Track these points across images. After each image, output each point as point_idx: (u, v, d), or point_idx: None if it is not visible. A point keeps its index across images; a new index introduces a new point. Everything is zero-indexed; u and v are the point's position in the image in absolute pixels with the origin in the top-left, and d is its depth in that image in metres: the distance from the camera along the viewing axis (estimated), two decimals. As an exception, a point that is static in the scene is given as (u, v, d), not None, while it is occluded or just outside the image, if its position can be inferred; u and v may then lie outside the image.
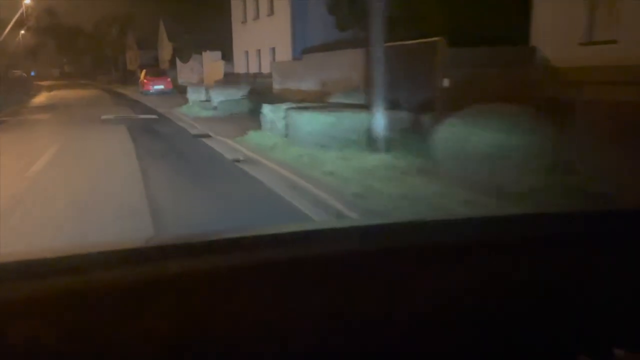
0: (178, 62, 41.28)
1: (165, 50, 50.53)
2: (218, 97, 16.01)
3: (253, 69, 26.58)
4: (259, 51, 25.94)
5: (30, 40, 69.28)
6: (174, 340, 0.71)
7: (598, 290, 0.86)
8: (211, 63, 31.71)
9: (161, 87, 28.26)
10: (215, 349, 0.71)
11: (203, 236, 1.03)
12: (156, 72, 29.80)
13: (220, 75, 29.33)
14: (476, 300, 0.81)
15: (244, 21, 27.36)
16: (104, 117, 15.54)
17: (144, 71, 29.49)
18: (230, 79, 28.05)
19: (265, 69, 25.11)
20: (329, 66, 17.45)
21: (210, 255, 0.86)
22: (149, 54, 54.67)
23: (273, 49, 24.16)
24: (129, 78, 48.14)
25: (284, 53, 22.57)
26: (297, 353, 0.72)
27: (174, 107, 18.91)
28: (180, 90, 29.55)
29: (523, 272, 0.89)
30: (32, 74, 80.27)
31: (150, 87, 27.96)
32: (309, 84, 19.00)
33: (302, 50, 20.11)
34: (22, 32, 52.30)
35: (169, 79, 28.85)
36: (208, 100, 17.56)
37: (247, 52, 27.53)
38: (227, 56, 31.10)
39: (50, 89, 42.07)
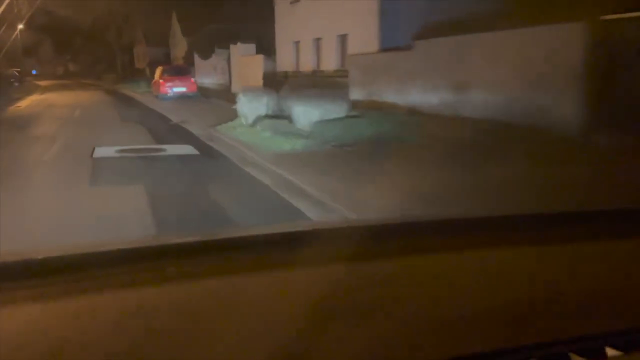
0: (197, 59, 33.63)
1: (179, 46, 42.85)
2: (308, 113, 8.52)
3: (307, 66, 19.04)
4: (317, 41, 18.40)
5: (28, 35, 62.41)
6: (174, 339, 0.66)
7: (592, 289, 0.81)
8: (243, 59, 24.16)
9: (183, 89, 20.66)
10: (215, 348, 0.65)
11: (202, 236, 1.02)
12: (176, 70, 22.00)
13: (258, 74, 21.81)
14: (468, 300, 0.77)
15: (295, 0, 19.79)
16: (99, 153, 7.81)
17: (159, 69, 21.83)
18: (278, 80, 20.52)
19: (328, 65, 17.54)
20: (494, 58, 9.88)
21: (210, 255, 0.86)
22: (159, 51, 47.25)
23: (343, 37, 16.60)
24: (138, 77, 40.70)
25: (365, 41, 15.01)
26: (295, 353, 0.65)
27: (214, 124, 11.36)
28: (204, 94, 22.00)
29: (515, 271, 0.87)
30: (34, 72, 73.30)
31: (169, 89, 20.37)
32: (431, 91, 11.49)
33: (414, 34, 12.57)
34: (21, 26, 44.73)
35: (192, 79, 21.23)
36: (281, 117, 10.07)
37: (297, 44, 19.98)
38: (265, 49, 23.58)
39: (45, 90, 34.48)
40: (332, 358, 0.64)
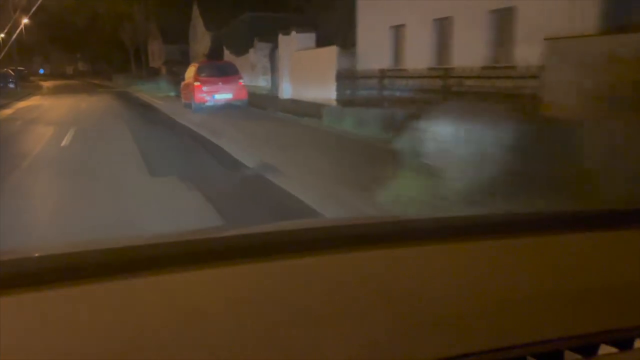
0: (227, 56, 26.90)
1: (201, 42, 36.08)
2: None
3: (417, 61, 12.27)
4: (441, 22, 11.69)
5: (35, 32, 56.42)
6: (171, 341, 0.63)
7: (587, 287, 0.79)
8: (301, 54, 17.47)
9: (228, 96, 13.92)
10: (213, 351, 0.62)
11: (200, 234, 1.00)
12: (217, 68, 14.67)
13: (328, 73, 15.12)
14: (463, 299, 0.74)
15: (399, -35, 12.97)
16: None
17: (193, 67, 14.87)
18: (361, 82, 13.74)
19: (468, 60, 10.78)
20: None
21: (208, 254, 0.84)
22: (176, 48, 40.60)
23: (504, 13, 9.89)
24: (154, 77, 34.26)
25: (562, 16, 8.33)
26: (292, 351, 0.63)
27: (353, 180, 4.67)
28: (259, 104, 15.26)
29: (509, 269, 0.85)
30: (41, 71, 67.16)
31: (208, 96, 13.66)
32: None
33: None
34: (25, 20, 38.08)
35: (241, 82, 14.46)
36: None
37: (397, 29, 13.27)
38: (326, 41, 16.91)
39: (44, 92, 28.04)
40: (332, 354, 0.61)
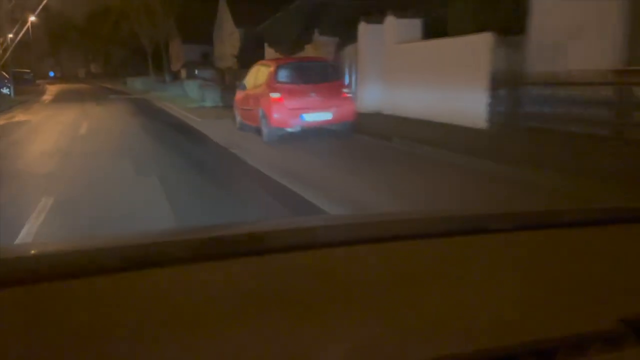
0: (272, 55, 21.02)
1: (229, 41, 30.27)
2: None
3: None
4: None
5: (45, 32, 51.43)
6: (170, 338, 0.61)
7: (579, 288, 0.78)
8: (403, 48, 11.64)
9: (326, 116, 8.01)
10: (213, 347, 0.61)
11: (200, 233, 0.98)
12: (307, 71, 8.38)
13: (469, 74, 9.24)
14: (458, 299, 0.73)
15: None
16: None
17: (268, 68, 8.52)
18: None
19: None
20: None
21: (207, 251, 0.82)
22: (197, 49, 34.99)
23: None
24: (175, 81, 28.78)
25: None
26: (293, 351, 0.62)
27: None
28: (359, 127, 9.25)
29: (504, 271, 0.83)
30: (51, 74, 62.05)
31: (294, 117, 7.84)
32: None
33: None
34: (32, 18, 32.67)
35: (345, 93, 8.55)
36: None
37: None
38: (444, 29, 11.02)
39: (43, 102, 22.44)
40: (332, 351, 0.60)
